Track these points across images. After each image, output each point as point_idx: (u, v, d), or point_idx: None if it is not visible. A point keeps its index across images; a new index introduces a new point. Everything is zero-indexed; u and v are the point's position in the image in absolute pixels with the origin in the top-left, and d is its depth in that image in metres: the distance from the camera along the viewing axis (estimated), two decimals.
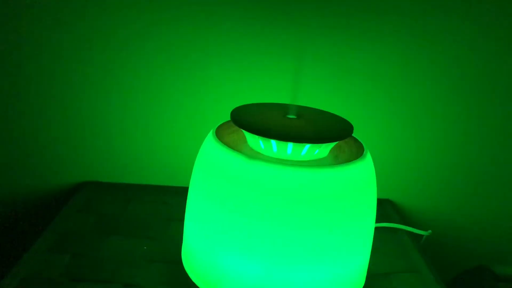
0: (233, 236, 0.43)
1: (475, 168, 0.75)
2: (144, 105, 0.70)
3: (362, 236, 0.46)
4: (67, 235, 0.61)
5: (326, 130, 0.46)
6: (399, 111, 0.71)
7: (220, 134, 0.49)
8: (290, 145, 0.44)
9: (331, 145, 0.47)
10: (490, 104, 0.71)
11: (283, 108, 0.50)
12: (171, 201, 0.72)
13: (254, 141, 0.47)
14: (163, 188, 0.76)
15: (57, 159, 0.74)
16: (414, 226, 0.70)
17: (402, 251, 0.64)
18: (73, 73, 0.68)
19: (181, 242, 0.54)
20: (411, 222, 0.78)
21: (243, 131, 0.47)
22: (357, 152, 0.48)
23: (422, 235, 0.69)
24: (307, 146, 0.44)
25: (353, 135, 0.50)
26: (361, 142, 0.50)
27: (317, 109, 0.52)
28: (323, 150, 0.46)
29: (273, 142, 0.45)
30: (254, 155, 0.44)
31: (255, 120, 0.45)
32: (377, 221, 0.68)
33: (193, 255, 0.48)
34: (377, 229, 0.67)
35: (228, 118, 0.49)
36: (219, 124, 0.51)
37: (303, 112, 0.49)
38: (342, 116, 0.50)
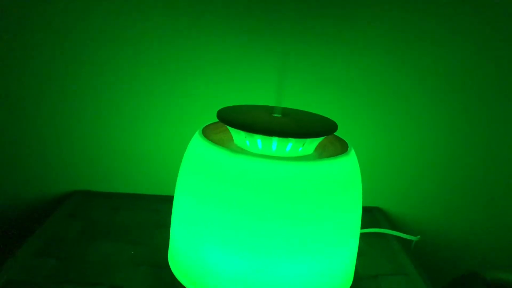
0: (218, 231, 0.43)
1: (464, 174, 0.76)
2: (131, 115, 0.71)
3: (347, 230, 0.46)
4: (53, 241, 0.60)
5: (310, 126, 0.46)
6: (387, 119, 0.72)
7: (207, 133, 0.50)
8: (275, 141, 0.45)
9: (316, 142, 0.48)
10: (479, 109, 0.72)
11: (269, 109, 0.51)
12: (160, 208, 0.72)
13: (240, 139, 0.47)
14: (153, 197, 0.76)
15: (47, 168, 0.74)
16: (404, 233, 0.70)
17: (391, 255, 0.64)
18: (62, 83, 0.68)
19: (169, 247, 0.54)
20: (401, 229, 0.78)
21: (229, 128, 0.47)
22: (342, 151, 0.49)
23: (411, 242, 0.69)
24: (292, 142, 0.45)
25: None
26: (346, 141, 0.51)
27: (303, 110, 0.53)
28: (307, 147, 0.47)
29: (259, 140, 0.46)
30: (239, 151, 0.44)
31: (241, 117, 0.46)
32: (368, 228, 0.69)
33: (179, 254, 0.48)
34: (366, 235, 0.68)
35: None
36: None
37: (289, 112, 0.50)
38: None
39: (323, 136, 0.45)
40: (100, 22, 0.65)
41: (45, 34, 0.65)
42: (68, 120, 0.71)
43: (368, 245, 0.66)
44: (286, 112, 0.50)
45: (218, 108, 0.48)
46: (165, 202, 0.73)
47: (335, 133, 0.52)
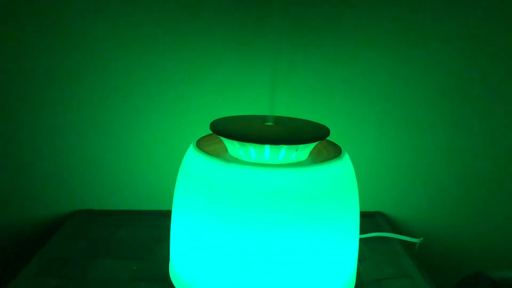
0: (216, 242, 0.43)
1: (465, 175, 0.76)
2: (126, 133, 0.72)
3: (346, 233, 0.46)
4: (55, 260, 0.60)
5: (302, 132, 0.47)
6: (384, 123, 0.72)
7: (201, 145, 0.50)
8: (268, 149, 0.45)
9: (309, 148, 0.48)
10: (479, 109, 0.72)
11: (261, 118, 0.51)
12: (160, 223, 0.72)
13: (234, 149, 0.48)
14: (153, 212, 0.76)
15: (48, 189, 0.74)
16: (407, 236, 0.69)
17: (395, 259, 0.64)
18: (59, 104, 0.69)
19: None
20: (404, 233, 0.78)
21: (223, 139, 0.48)
22: (335, 155, 0.49)
23: (415, 245, 0.69)
24: (284, 149, 0.45)
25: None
26: (340, 146, 0.51)
27: (295, 118, 0.53)
28: (301, 153, 0.47)
29: (252, 149, 0.46)
30: (232, 160, 0.45)
31: (233, 128, 0.46)
32: (369, 232, 0.68)
33: (179, 267, 0.48)
34: (369, 240, 0.67)
35: None
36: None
37: (281, 120, 0.51)
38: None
39: (315, 141, 0.45)
40: (95, 40, 0.66)
41: (42, 53, 0.66)
42: (66, 141, 0.71)
43: (371, 249, 0.66)
44: (278, 120, 0.50)
45: (212, 120, 0.49)
46: (166, 217, 0.73)
47: (332, 139, 0.53)
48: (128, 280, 0.56)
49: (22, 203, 0.75)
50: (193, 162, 0.46)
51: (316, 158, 0.50)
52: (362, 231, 0.59)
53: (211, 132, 0.52)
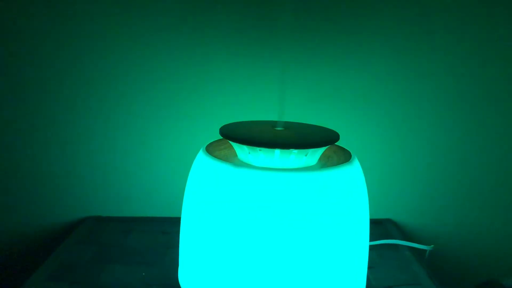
0: (226, 247, 0.43)
1: (477, 182, 0.75)
2: (136, 140, 0.72)
3: (356, 238, 0.45)
4: (66, 265, 0.61)
5: (312, 137, 0.47)
6: (395, 130, 0.72)
7: (211, 150, 0.50)
8: (277, 153, 0.45)
9: (318, 152, 0.48)
10: (490, 114, 0.71)
11: (271, 123, 0.51)
12: (170, 230, 0.72)
13: (243, 154, 0.48)
14: (163, 219, 0.76)
15: (59, 196, 0.75)
16: (417, 243, 0.69)
17: (405, 266, 0.63)
18: (69, 112, 0.70)
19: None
20: (414, 240, 0.77)
21: (232, 144, 0.48)
22: (345, 160, 0.49)
23: (425, 252, 0.68)
24: (294, 153, 0.45)
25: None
26: (350, 151, 0.51)
27: (305, 123, 0.53)
28: (310, 158, 0.47)
29: (261, 153, 0.46)
30: (242, 165, 0.45)
31: (243, 132, 0.47)
32: (379, 240, 0.68)
33: (188, 272, 0.48)
34: (379, 247, 0.67)
35: None
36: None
37: (291, 125, 0.51)
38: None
39: (325, 145, 0.45)
40: (105, 48, 0.67)
41: (55, 58, 0.68)
42: (77, 149, 0.72)
43: (380, 257, 0.65)
44: (288, 125, 0.50)
45: (221, 126, 0.49)
46: (175, 223, 0.74)
47: (342, 145, 0.53)
48: (138, 286, 0.56)
49: (33, 209, 0.75)
50: (203, 167, 0.46)
51: (326, 163, 0.50)
52: (372, 238, 0.59)
53: (220, 138, 0.52)
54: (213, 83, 0.69)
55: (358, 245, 0.46)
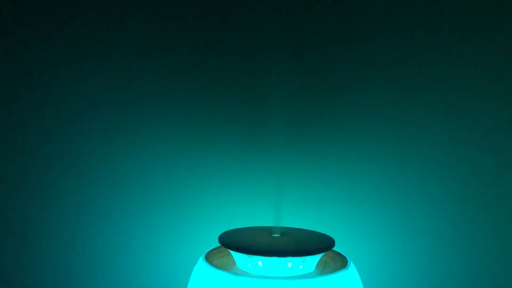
0: None
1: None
2: (133, 249, 0.73)
3: None
4: None
5: (308, 244, 0.48)
6: (393, 233, 0.72)
7: (210, 258, 0.51)
8: (275, 261, 0.47)
9: (316, 259, 0.49)
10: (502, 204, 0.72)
11: (268, 229, 0.53)
12: None
13: (242, 262, 0.49)
14: None
15: None
16: None
17: None
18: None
19: None
20: None
21: (231, 252, 0.49)
22: (342, 266, 0.50)
23: None
24: (291, 261, 0.47)
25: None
26: (346, 256, 0.52)
27: (301, 229, 0.55)
28: (308, 265, 0.48)
29: (260, 261, 0.47)
30: (241, 273, 0.46)
31: (241, 240, 0.48)
32: None
33: None
34: None
35: None
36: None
37: (287, 231, 0.53)
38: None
39: (321, 252, 0.47)
40: (94, 152, 0.71)
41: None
42: (70, 262, 0.73)
43: None
44: (284, 231, 0.52)
45: (221, 232, 0.51)
46: None
47: (339, 249, 0.54)
48: None
49: None
50: (203, 275, 0.47)
51: (323, 269, 0.51)
52: None
53: (218, 245, 0.53)
54: (212, 190, 0.72)
55: None
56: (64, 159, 0.71)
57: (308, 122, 0.70)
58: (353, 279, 0.47)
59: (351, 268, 0.48)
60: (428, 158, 0.70)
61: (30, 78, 0.71)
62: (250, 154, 0.71)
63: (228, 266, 0.51)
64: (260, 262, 0.47)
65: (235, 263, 0.51)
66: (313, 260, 0.49)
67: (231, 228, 0.54)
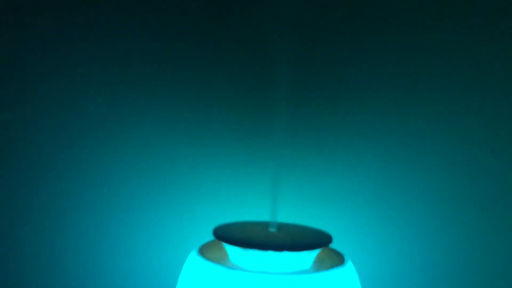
0: None
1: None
2: (125, 243, 0.71)
3: None
4: None
5: (305, 239, 0.47)
6: (389, 230, 0.72)
7: (203, 252, 0.50)
8: (271, 256, 0.45)
9: (312, 255, 0.48)
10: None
11: (264, 224, 0.52)
12: None
13: (236, 256, 0.48)
14: None
15: None
16: None
17: None
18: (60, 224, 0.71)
19: None
20: None
21: (225, 245, 0.48)
22: (339, 263, 0.49)
23: None
24: (287, 256, 0.45)
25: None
26: (344, 253, 0.51)
27: (298, 224, 0.54)
28: (304, 261, 0.47)
29: (254, 255, 0.46)
30: (235, 267, 0.44)
31: (236, 234, 0.47)
32: None
33: None
34: None
35: None
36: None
37: (284, 226, 0.51)
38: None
39: (318, 247, 0.46)
40: (94, 157, 0.70)
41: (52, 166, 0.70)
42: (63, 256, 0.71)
43: None
44: (281, 226, 0.51)
45: (214, 227, 0.49)
46: None
47: (337, 244, 0.52)
48: None
49: None
50: (195, 269, 0.46)
51: (320, 266, 0.49)
52: None
53: (212, 239, 0.52)
54: (207, 183, 0.71)
55: None
56: (59, 158, 0.70)
57: (307, 116, 0.69)
58: (351, 276, 0.46)
59: (349, 265, 0.47)
60: (427, 155, 0.69)
61: (30, 78, 0.69)
62: (247, 147, 0.70)
63: (221, 260, 0.50)
64: (255, 256, 0.46)
65: (229, 258, 0.50)
66: (309, 256, 0.47)
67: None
